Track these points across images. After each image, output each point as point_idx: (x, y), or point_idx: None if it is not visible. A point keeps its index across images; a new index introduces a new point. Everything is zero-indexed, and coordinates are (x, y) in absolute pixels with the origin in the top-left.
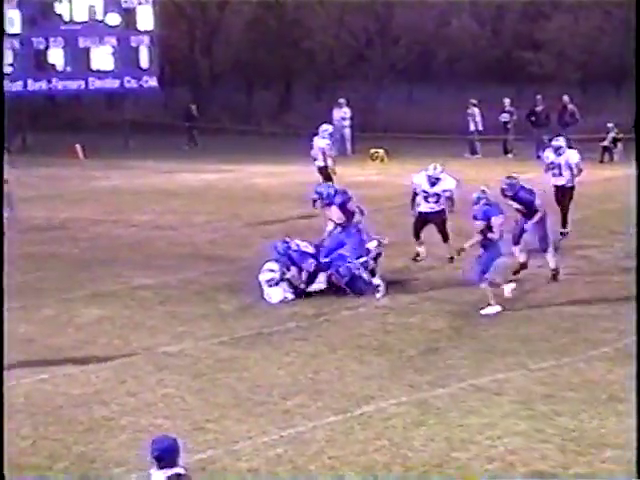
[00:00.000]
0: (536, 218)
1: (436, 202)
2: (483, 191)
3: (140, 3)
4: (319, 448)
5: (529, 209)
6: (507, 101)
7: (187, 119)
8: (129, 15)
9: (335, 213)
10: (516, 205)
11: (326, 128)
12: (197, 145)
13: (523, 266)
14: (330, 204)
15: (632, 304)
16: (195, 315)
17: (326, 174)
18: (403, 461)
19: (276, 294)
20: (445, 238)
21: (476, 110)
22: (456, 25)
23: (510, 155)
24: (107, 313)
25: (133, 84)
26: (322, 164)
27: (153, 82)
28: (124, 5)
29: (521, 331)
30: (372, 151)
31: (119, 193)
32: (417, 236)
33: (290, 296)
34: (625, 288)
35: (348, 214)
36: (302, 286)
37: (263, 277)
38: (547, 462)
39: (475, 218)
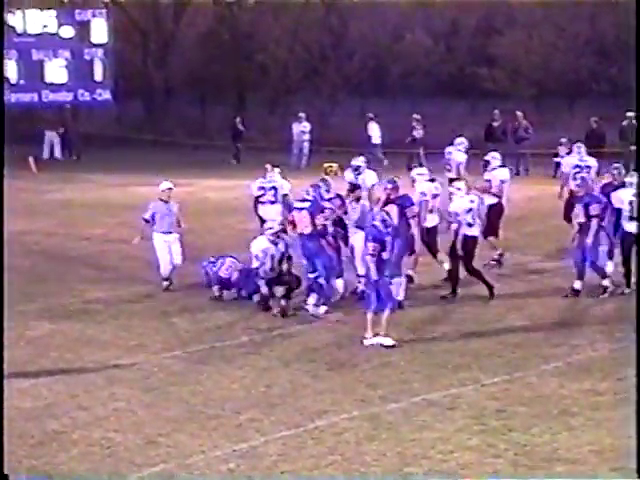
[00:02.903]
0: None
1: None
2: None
3: (94, 16)
4: (272, 462)
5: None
6: (416, 116)
7: (233, 135)
8: (83, 28)
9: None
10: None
11: (462, 141)
12: (239, 163)
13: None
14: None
15: (583, 319)
16: (147, 329)
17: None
18: (355, 476)
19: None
20: None
21: (373, 124)
22: (410, 40)
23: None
24: (59, 327)
25: (87, 97)
26: (454, 176)
27: (107, 95)
28: (78, 18)
29: (473, 346)
30: (326, 165)
31: (72, 206)
32: None
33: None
34: (576, 303)
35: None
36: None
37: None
38: (499, 477)
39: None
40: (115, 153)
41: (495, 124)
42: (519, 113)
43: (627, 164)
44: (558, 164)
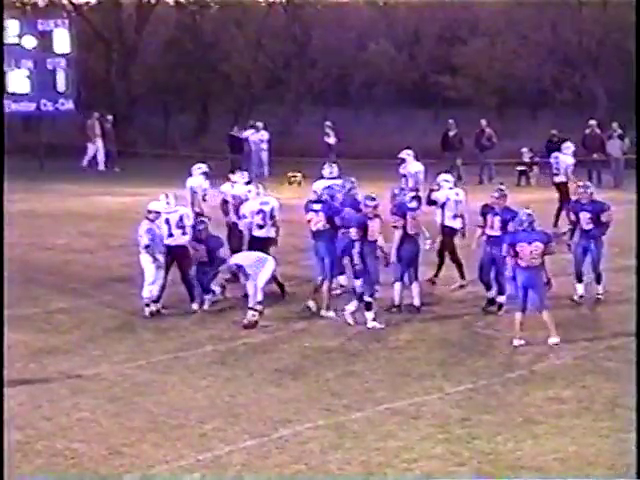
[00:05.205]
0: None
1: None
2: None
3: (57, 26)
4: (236, 472)
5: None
6: (328, 123)
7: (232, 147)
8: (45, 38)
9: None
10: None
11: (568, 145)
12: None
13: None
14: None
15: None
16: (111, 339)
17: (565, 190)
18: None
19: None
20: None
21: (264, 133)
22: (373, 49)
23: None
24: (22, 337)
25: (49, 107)
26: (564, 179)
27: (69, 105)
28: (40, 28)
29: (437, 354)
30: (289, 175)
31: (35, 216)
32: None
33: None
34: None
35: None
36: None
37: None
38: None
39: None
40: (78, 163)
41: (451, 133)
42: (483, 121)
43: (590, 172)
44: (522, 172)
